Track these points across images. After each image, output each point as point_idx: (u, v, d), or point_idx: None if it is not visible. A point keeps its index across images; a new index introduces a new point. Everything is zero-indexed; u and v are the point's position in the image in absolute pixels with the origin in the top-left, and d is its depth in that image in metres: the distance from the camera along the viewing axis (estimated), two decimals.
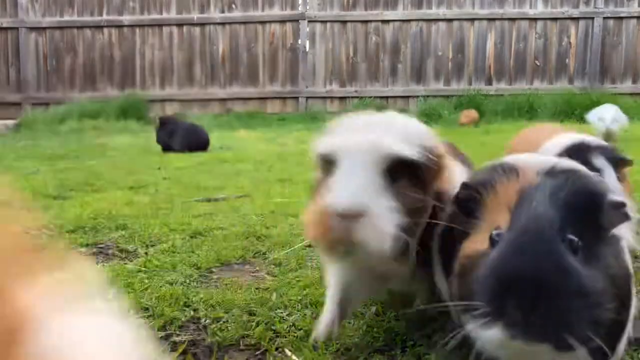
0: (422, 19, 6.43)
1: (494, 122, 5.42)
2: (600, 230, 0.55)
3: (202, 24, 6.69)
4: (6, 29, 6.76)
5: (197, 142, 3.74)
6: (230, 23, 6.66)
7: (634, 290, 0.59)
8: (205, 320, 0.90)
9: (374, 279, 0.81)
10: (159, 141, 3.82)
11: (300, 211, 1.66)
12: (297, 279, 1.09)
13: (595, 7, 6.23)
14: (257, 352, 0.81)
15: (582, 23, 6.28)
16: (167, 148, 3.76)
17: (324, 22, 6.56)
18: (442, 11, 6.42)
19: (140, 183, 2.29)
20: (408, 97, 6.55)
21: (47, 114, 6.01)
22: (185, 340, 0.84)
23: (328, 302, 0.83)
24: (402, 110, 4.98)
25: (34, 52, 6.80)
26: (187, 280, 1.09)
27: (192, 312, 0.93)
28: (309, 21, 6.56)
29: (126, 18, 6.70)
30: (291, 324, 0.88)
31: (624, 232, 0.59)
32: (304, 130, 5.42)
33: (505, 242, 0.54)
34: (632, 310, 0.60)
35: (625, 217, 0.54)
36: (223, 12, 6.65)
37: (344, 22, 6.55)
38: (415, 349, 0.80)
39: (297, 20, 6.57)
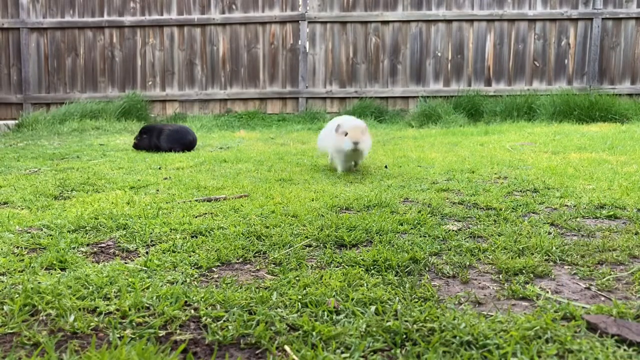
0: (421, 19, 6.44)
1: (493, 123, 5.42)
2: None
3: (202, 25, 6.70)
4: (7, 29, 6.77)
5: (181, 142, 3.76)
6: (230, 24, 6.66)
7: None
8: (205, 319, 0.90)
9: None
10: (149, 146, 3.78)
11: (300, 211, 1.67)
12: (297, 278, 1.10)
13: (594, 8, 6.24)
14: (257, 351, 0.81)
15: (581, 24, 6.29)
16: (155, 149, 3.79)
17: (324, 23, 6.57)
18: (442, 12, 6.42)
19: (141, 183, 2.30)
20: (407, 97, 6.56)
21: (48, 114, 6.02)
22: (185, 339, 0.84)
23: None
24: (402, 111, 5.54)
25: (35, 52, 6.81)
26: (188, 280, 1.09)
27: (192, 311, 0.93)
28: (309, 22, 6.57)
29: (127, 19, 6.71)
30: (291, 323, 0.89)
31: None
32: (304, 130, 5.42)
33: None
34: None
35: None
36: (223, 12, 6.66)
37: (344, 23, 6.56)
38: (416, 348, 0.80)
39: (297, 21, 6.58)
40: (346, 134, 2.43)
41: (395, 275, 1.12)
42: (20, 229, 1.48)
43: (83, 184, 2.26)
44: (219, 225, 1.52)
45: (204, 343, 0.84)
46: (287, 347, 0.81)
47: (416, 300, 0.98)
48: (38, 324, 0.88)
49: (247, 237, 1.40)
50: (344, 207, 1.79)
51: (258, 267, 1.19)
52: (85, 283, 1.05)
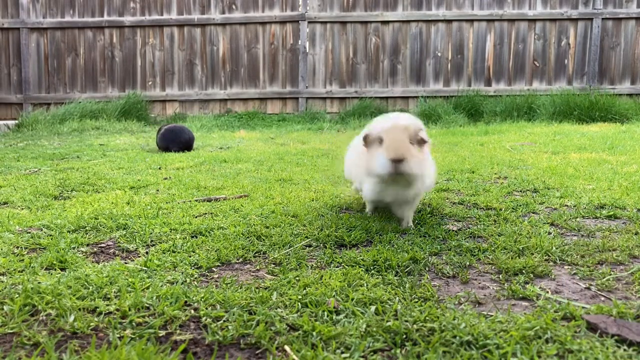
0: (421, 19, 6.44)
1: (493, 123, 5.42)
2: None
3: (202, 25, 6.70)
4: (7, 29, 6.78)
5: (177, 141, 3.76)
6: (230, 24, 6.67)
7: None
8: (205, 319, 0.90)
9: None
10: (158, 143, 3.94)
11: (300, 211, 1.67)
12: (297, 278, 1.10)
13: (594, 8, 6.24)
14: (257, 351, 0.81)
15: (581, 24, 6.30)
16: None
17: (324, 23, 6.57)
18: (442, 12, 6.43)
19: (141, 183, 2.30)
20: (408, 97, 6.56)
21: (48, 114, 6.02)
22: (185, 339, 0.84)
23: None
24: (402, 111, 5.19)
25: (35, 52, 6.81)
26: (188, 280, 1.09)
27: (192, 311, 0.93)
28: (309, 22, 6.57)
29: (127, 19, 6.72)
30: (291, 323, 0.89)
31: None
32: (304, 130, 5.42)
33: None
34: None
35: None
36: (223, 12, 6.67)
37: (344, 23, 6.56)
38: (416, 348, 0.80)
39: (297, 21, 6.58)
40: (381, 142, 1.34)
41: (395, 275, 1.12)
42: (20, 229, 1.48)
43: (83, 184, 2.26)
44: (219, 225, 1.52)
45: (204, 343, 0.84)
46: (287, 347, 0.81)
47: (416, 300, 0.98)
48: (38, 324, 0.88)
49: (247, 237, 1.40)
50: (344, 207, 1.79)
51: (258, 267, 1.19)
52: (85, 283, 1.05)
